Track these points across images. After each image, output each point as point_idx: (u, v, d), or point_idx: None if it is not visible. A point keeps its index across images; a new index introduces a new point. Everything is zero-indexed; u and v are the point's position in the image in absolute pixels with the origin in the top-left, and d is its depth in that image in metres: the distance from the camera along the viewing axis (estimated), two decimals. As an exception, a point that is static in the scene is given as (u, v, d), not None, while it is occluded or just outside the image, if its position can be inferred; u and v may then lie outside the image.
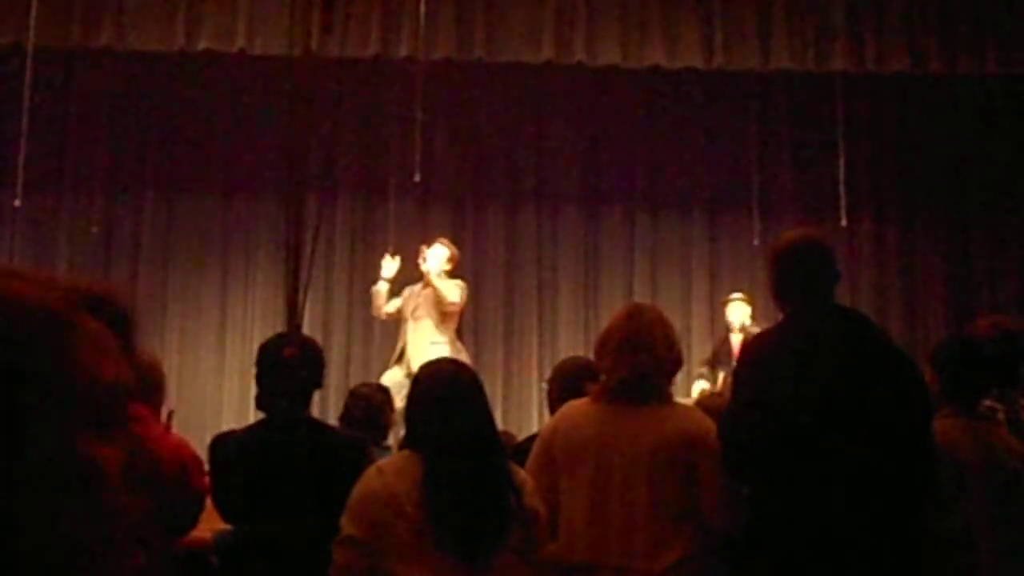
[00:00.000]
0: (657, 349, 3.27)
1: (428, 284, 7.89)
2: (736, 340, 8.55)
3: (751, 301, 8.74)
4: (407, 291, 8.09)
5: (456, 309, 7.95)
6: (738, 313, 8.67)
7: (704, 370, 8.70)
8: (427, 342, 7.72)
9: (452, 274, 8.11)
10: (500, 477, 2.89)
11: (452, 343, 7.82)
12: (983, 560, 3.34)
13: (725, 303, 9.05)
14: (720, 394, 8.00)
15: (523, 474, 3.00)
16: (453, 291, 7.92)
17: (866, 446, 2.99)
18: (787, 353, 3.14)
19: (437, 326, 7.85)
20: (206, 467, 3.80)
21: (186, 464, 3.64)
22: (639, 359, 3.24)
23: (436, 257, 8.02)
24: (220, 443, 3.61)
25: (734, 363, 8.48)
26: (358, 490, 2.89)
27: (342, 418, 4.99)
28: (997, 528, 3.37)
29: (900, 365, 3.15)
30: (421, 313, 7.93)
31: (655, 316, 3.39)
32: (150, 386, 3.69)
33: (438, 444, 2.87)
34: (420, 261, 7.98)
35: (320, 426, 3.71)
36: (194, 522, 3.79)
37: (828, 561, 2.97)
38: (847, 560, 2.97)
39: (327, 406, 8.62)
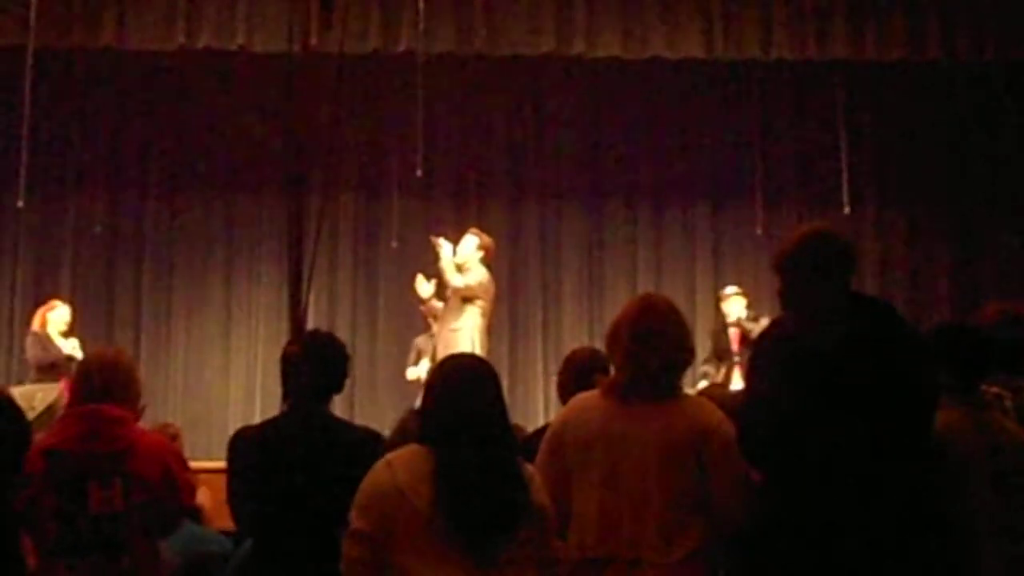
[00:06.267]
0: (666, 346, 3.23)
1: (438, 260, 7.83)
2: (733, 333, 8.82)
3: (746, 294, 8.99)
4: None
5: (464, 294, 7.69)
6: (735, 307, 8.90)
7: (709, 368, 8.78)
8: (447, 327, 7.70)
9: (485, 264, 7.95)
10: (512, 472, 2.89)
11: (472, 332, 7.67)
12: (985, 548, 3.34)
13: (721, 299, 9.13)
14: (723, 384, 8.12)
15: (531, 469, 3.00)
16: (459, 276, 7.74)
17: (874, 432, 2.99)
18: (801, 341, 3.13)
19: (456, 312, 7.77)
20: (188, 463, 3.82)
21: (167, 465, 3.62)
22: (647, 355, 3.22)
23: (465, 244, 7.95)
24: (238, 436, 3.68)
25: (735, 356, 8.77)
26: (367, 483, 2.88)
27: None
28: (999, 517, 3.37)
29: (912, 350, 3.14)
30: (447, 296, 7.91)
31: (667, 310, 3.33)
32: (126, 387, 3.68)
33: (451, 437, 2.86)
34: (438, 247, 7.89)
35: (333, 421, 3.73)
36: (177, 523, 3.79)
37: (837, 551, 2.98)
38: (856, 550, 2.97)
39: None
